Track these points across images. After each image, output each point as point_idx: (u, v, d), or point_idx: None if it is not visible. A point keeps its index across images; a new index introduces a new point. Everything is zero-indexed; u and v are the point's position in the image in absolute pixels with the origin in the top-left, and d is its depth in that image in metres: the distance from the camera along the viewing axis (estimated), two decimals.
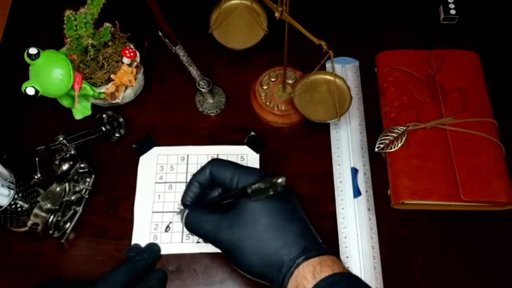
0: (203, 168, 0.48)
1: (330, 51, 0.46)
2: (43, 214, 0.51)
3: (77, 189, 0.55)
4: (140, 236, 0.54)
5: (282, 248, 0.41)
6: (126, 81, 0.58)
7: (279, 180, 0.39)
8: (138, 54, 0.59)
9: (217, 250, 0.53)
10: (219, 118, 0.62)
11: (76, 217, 0.55)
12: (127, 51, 0.58)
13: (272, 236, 0.42)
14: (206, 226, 0.46)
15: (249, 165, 0.58)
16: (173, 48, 0.52)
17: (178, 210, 0.55)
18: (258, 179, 0.41)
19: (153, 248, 0.53)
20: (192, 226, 0.47)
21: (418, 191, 0.54)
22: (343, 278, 0.39)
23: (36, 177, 0.53)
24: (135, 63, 0.59)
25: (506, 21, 0.69)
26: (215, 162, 0.48)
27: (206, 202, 0.50)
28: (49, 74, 0.52)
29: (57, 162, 0.52)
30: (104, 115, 0.59)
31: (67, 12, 0.53)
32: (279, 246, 0.41)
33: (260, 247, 0.42)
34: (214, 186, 0.50)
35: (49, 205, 0.52)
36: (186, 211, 0.48)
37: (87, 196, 0.56)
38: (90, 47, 0.56)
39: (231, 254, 0.44)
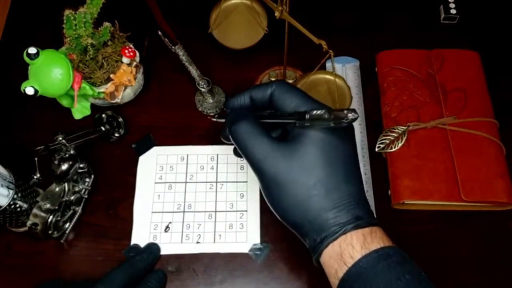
0: (264, 87, 0.42)
1: (330, 51, 0.46)
2: (43, 214, 0.51)
3: (77, 189, 0.55)
4: (140, 236, 0.54)
5: (330, 210, 0.37)
6: (125, 81, 0.58)
7: (349, 115, 0.34)
8: (137, 54, 0.59)
9: (217, 251, 0.53)
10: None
11: (75, 217, 0.55)
12: (126, 51, 0.57)
13: (322, 193, 0.37)
14: (256, 147, 0.39)
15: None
16: (173, 47, 0.52)
17: (217, 115, 0.47)
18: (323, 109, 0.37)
19: (152, 248, 0.53)
20: (240, 139, 0.40)
21: (419, 191, 0.54)
22: (396, 253, 0.36)
23: (35, 177, 0.53)
24: (134, 63, 0.59)
25: (506, 21, 0.69)
26: (281, 84, 0.41)
27: (256, 115, 0.42)
28: (49, 74, 0.52)
29: (56, 162, 0.52)
30: (103, 115, 0.59)
31: (67, 12, 0.53)
32: (327, 207, 0.37)
33: (305, 200, 0.37)
34: (267, 109, 0.43)
35: (48, 205, 0.52)
36: (242, 122, 0.41)
37: (86, 196, 0.56)
38: (89, 46, 0.56)
39: (269, 189, 0.39)
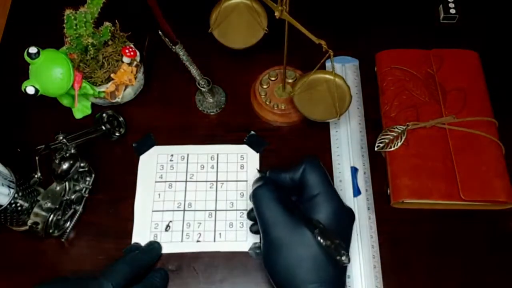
0: (297, 166, 0.48)
1: (330, 50, 0.46)
2: (43, 213, 0.51)
3: (77, 188, 0.55)
4: (141, 235, 0.55)
5: (312, 284, 0.42)
6: (126, 80, 0.58)
7: (343, 258, 0.40)
8: (138, 53, 0.59)
9: (217, 249, 0.53)
10: (219, 117, 0.62)
11: (76, 216, 0.55)
12: (127, 50, 0.58)
13: (311, 268, 0.43)
14: (269, 210, 0.45)
15: (249, 164, 0.58)
16: (173, 47, 0.52)
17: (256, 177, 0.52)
18: (329, 234, 0.42)
19: (154, 245, 0.53)
20: (258, 200, 0.46)
21: (418, 190, 0.54)
22: None
23: (36, 176, 0.53)
24: (135, 62, 0.59)
25: (506, 20, 0.69)
26: (310, 160, 0.48)
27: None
28: (49, 73, 0.52)
29: (57, 161, 0.52)
30: (104, 114, 0.59)
31: (67, 11, 0.53)
32: (310, 280, 0.42)
33: (295, 268, 0.43)
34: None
35: (49, 204, 0.52)
36: (260, 183, 0.47)
37: (87, 195, 0.56)
38: (90, 46, 0.56)
39: (268, 249, 0.45)
